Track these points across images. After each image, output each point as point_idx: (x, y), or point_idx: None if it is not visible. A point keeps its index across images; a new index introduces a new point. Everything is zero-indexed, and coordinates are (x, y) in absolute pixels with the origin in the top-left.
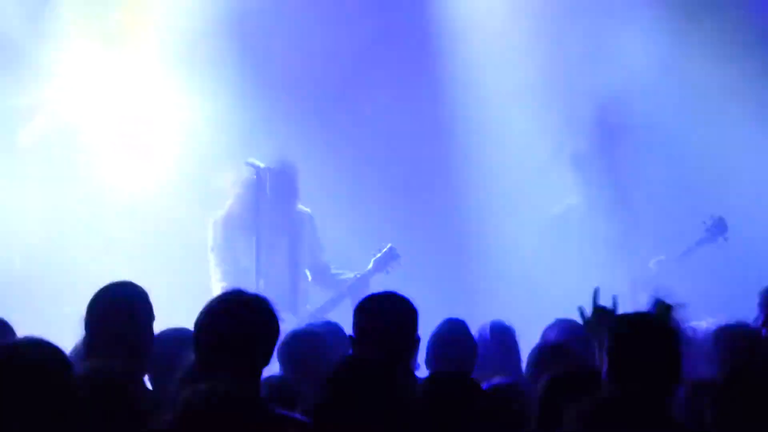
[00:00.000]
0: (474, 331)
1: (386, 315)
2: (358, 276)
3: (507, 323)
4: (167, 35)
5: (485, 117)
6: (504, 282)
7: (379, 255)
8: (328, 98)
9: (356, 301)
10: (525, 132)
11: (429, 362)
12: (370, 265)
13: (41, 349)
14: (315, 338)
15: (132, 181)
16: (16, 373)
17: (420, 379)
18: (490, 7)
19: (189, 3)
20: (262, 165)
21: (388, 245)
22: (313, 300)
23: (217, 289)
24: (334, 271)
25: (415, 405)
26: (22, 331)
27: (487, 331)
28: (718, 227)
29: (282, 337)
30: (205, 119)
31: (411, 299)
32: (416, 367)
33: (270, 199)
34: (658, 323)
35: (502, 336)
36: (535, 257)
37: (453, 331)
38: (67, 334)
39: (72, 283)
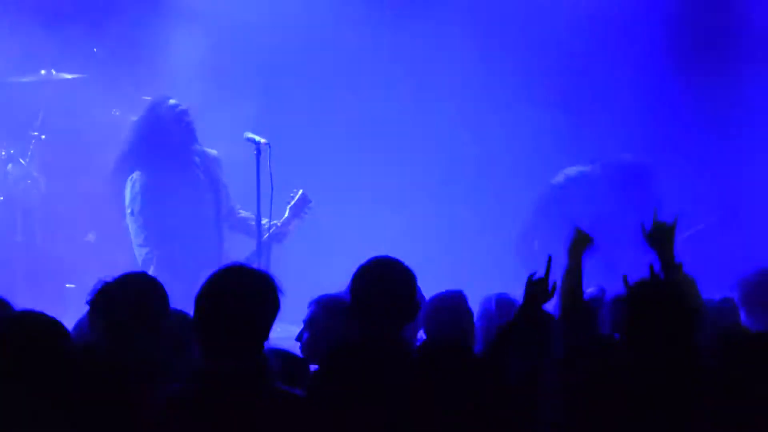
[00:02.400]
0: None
1: (385, 280)
2: (278, 224)
3: (512, 297)
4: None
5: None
6: (504, 253)
7: (292, 202)
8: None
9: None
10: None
11: (425, 329)
12: (287, 213)
13: (39, 321)
14: None
15: None
16: (13, 344)
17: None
18: None
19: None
20: (262, 140)
21: (300, 191)
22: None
23: (141, 252)
24: (242, 214)
25: (410, 372)
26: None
27: (492, 303)
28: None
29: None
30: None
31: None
32: (417, 338)
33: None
34: (673, 289)
35: (508, 309)
36: (534, 228)
37: (450, 299)
38: (68, 310)
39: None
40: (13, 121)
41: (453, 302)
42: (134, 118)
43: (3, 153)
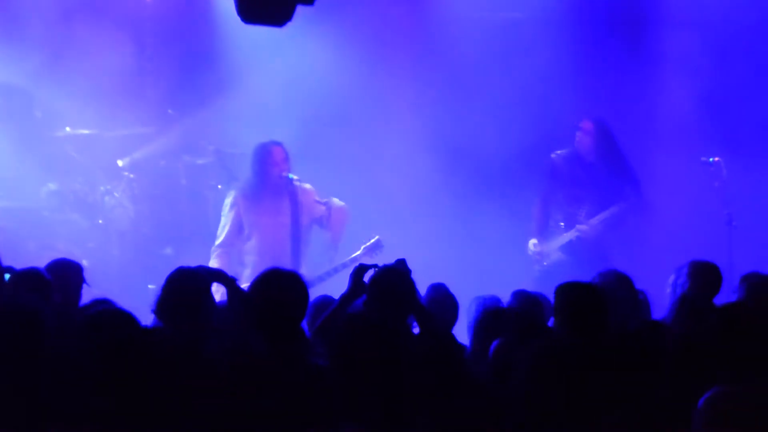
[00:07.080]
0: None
1: (389, 284)
2: (350, 258)
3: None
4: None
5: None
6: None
7: (368, 243)
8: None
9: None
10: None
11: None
12: (360, 251)
13: (118, 317)
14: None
15: None
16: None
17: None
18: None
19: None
20: (295, 177)
21: (376, 237)
22: None
23: (215, 243)
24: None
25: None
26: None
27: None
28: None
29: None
30: None
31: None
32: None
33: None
34: (592, 287)
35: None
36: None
37: (437, 293)
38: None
39: (155, 268)
40: (109, 164)
41: (439, 295)
42: (201, 161)
43: (102, 188)
